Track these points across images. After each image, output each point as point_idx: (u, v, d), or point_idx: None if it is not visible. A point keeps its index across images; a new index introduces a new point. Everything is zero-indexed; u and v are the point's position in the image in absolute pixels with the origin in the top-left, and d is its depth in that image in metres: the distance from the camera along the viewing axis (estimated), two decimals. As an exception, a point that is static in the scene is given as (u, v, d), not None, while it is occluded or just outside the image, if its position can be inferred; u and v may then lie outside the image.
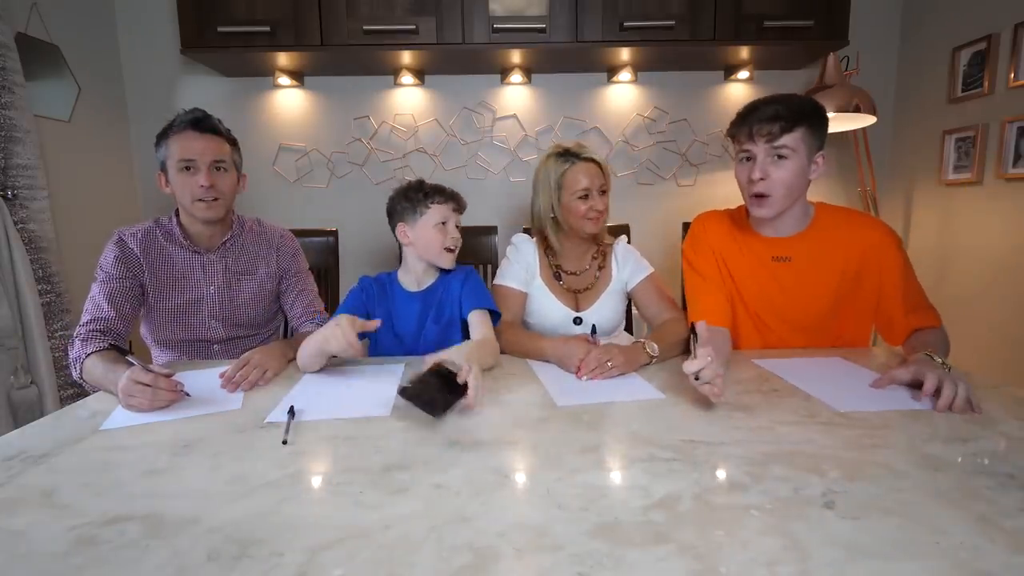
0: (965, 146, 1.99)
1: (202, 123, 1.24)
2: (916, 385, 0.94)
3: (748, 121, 1.12)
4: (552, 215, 1.39)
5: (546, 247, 1.45)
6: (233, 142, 1.32)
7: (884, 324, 1.22)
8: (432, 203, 1.26)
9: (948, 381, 0.89)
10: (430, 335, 1.30)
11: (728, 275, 1.27)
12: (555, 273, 1.44)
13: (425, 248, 1.29)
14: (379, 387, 1.03)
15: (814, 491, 0.64)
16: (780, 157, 1.11)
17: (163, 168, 1.25)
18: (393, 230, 1.32)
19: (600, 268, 1.45)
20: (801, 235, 1.21)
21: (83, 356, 1.10)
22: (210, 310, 1.32)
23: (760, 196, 1.14)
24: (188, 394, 0.97)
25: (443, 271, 1.34)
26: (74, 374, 1.13)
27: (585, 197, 1.34)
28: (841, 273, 1.19)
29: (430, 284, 1.33)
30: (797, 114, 1.09)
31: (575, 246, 1.44)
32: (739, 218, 1.29)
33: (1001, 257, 1.88)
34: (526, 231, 1.80)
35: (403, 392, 0.87)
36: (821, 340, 1.26)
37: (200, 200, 1.23)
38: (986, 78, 1.89)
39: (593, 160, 1.36)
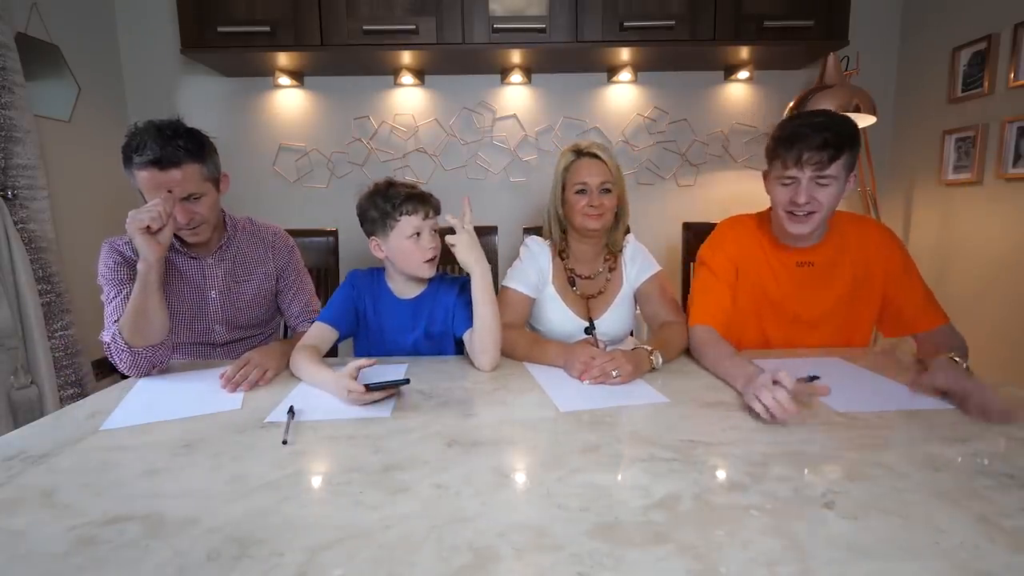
0: (965, 146, 1.99)
1: (163, 161, 1.10)
2: (947, 393, 0.92)
3: (797, 147, 1.11)
4: (557, 212, 1.37)
5: (559, 250, 1.42)
6: (203, 155, 1.18)
7: (890, 320, 1.25)
8: (401, 215, 1.15)
9: (990, 396, 0.86)
10: (421, 348, 1.27)
11: (749, 281, 1.27)
12: (569, 278, 1.40)
13: (402, 262, 1.20)
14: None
15: (814, 491, 0.64)
16: (823, 185, 1.12)
17: (140, 192, 1.17)
18: (369, 237, 1.22)
19: (611, 271, 1.42)
20: (822, 243, 1.24)
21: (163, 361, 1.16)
22: (213, 314, 1.31)
23: (799, 216, 1.15)
24: None
25: (433, 281, 1.27)
26: (127, 370, 1.12)
27: (583, 192, 1.31)
28: (853, 274, 1.23)
29: (420, 292, 1.26)
30: (842, 141, 1.10)
31: (585, 248, 1.40)
32: (764, 225, 1.30)
33: (1001, 257, 1.88)
34: (526, 231, 1.80)
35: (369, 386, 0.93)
36: (833, 339, 1.28)
37: (182, 230, 1.19)
38: (986, 78, 1.89)
39: (597, 156, 1.32)
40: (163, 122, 1.15)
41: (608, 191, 1.32)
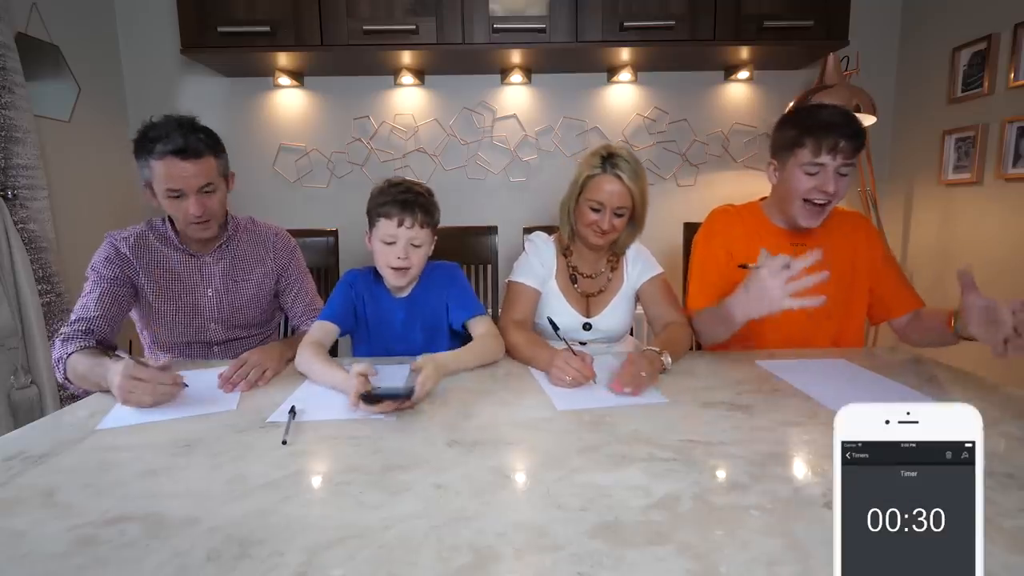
0: (965, 146, 1.99)
1: (187, 152, 1.14)
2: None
3: (834, 135, 1.13)
4: (569, 212, 1.35)
5: (564, 247, 1.42)
6: (218, 150, 1.23)
7: (875, 306, 1.31)
8: (380, 216, 1.14)
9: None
10: (417, 342, 1.27)
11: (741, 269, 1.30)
12: (571, 275, 1.40)
13: (376, 262, 1.20)
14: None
15: (814, 491, 0.64)
16: (843, 174, 1.17)
17: (148, 185, 1.19)
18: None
19: (613, 270, 1.42)
20: (816, 227, 1.29)
21: (64, 356, 1.10)
22: (210, 313, 1.31)
23: (818, 205, 1.19)
24: (187, 385, 0.97)
25: (424, 272, 1.26)
26: (58, 375, 1.12)
27: (596, 211, 1.28)
28: (844, 264, 1.28)
29: (413, 288, 1.26)
30: (863, 133, 1.16)
31: (585, 248, 1.40)
32: (755, 212, 1.36)
33: (1001, 257, 1.88)
34: (526, 231, 1.80)
35: (367, 398, 0.87)
36: (826, 332, 1.30)
37: (193, 224, 1.21)
38: (986, 78, 1.89)
39: (621, 178, 1.24)
40: (181, 116, 1.19)
41: (621, 215, 1.28)
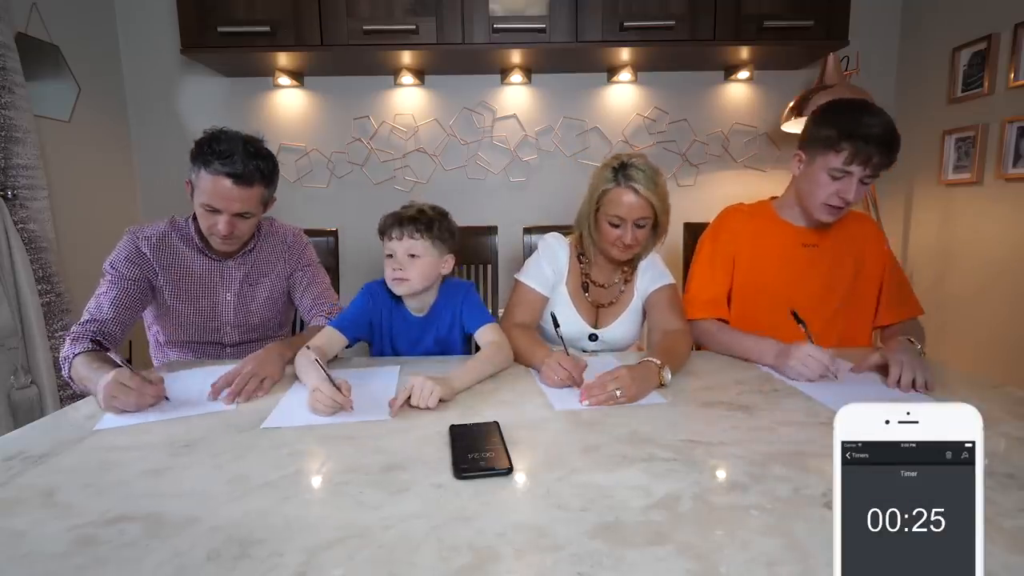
0: (965, 146, 1.99)
1: (242, 178, 1.15)
2: (885, 369, 1.02)
3: (871, 148, 1.11)
4: (588, 224, 1.31)
5: (580, 253, 1.38)
6: (271, 178, 1.24)
7: (879, 310, 1.32)
8: (381, 235, 1.21)
9: (908, 368, 0.98)
10: (431, 352, 1.29)
11: (751, 268, 1.32)
12: (583, 283, 1.37)
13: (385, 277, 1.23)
14: (379, 391, 1.03)
15: (814, 491, 0.64)
16: (865, 183, 1.17)
17: (190, 184, 1.19)
18: None
19: (626, 282, 1.38)
20: (825, 226, 1.30)
21: (71, 355, 1.10)
22: (226, 316, 1.31)
23: (834, 206, 1.20)
24: (168, 398, 0.97)
25: (441, 291, 1.27)
26: (64, 372, 1.12)
27: (616, 226, 1.24)
28: (854, 266, 1.29)
29: (432, 305, 1.28)
30: (898, 150, 1.14)
31: (604, 260, 1.36)
32: (766, 211, 1.36)
33: (1001, 257, 1.88)
34: (526, 231, 1.80)
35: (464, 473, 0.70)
36: (831, 332, 1.30)
37: (216, 237, 1.22)
38: (986, 78, 1.89)
39: (636, 189, 1.20)
40: (249, 137, 1.20)
41: (643, 226, 1.25)
